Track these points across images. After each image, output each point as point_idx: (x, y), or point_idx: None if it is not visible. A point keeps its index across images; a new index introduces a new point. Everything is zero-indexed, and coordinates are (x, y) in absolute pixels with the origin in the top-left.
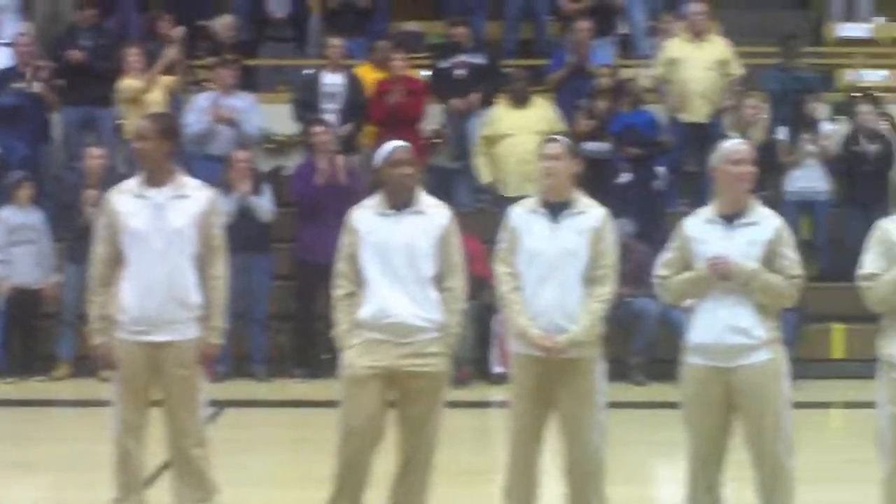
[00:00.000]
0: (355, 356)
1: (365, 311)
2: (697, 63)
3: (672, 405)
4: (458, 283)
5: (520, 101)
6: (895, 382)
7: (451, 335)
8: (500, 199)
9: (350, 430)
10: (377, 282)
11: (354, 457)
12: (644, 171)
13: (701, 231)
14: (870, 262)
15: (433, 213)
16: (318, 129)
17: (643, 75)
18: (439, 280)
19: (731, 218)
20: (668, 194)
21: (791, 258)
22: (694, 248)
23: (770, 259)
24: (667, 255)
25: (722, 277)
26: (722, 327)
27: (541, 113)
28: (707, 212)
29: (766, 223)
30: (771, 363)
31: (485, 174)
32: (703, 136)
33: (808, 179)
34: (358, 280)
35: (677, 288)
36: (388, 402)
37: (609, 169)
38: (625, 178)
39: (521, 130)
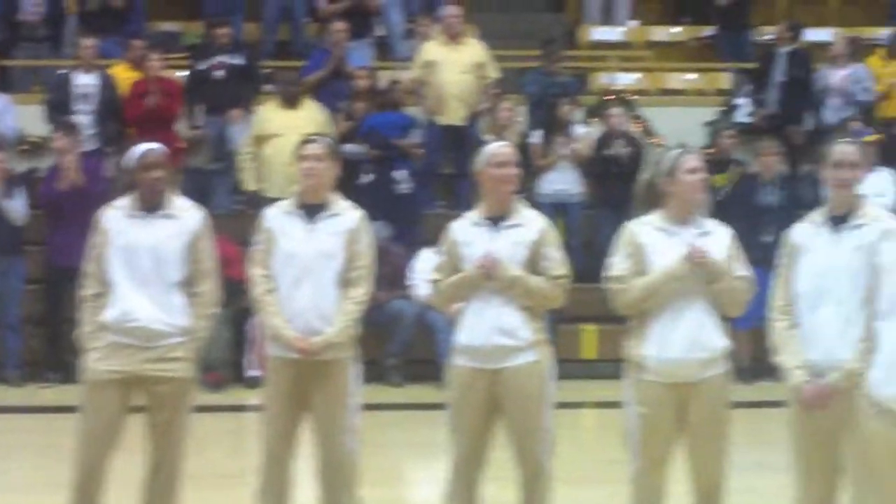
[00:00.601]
0: (97, 360)
1: (109, 314)
2: (453, 66)
3: (428, 406)
4: (208, 287)
5: (290, 101)
6: (642, 383)
7: (197, 340)
8: (259, 200)
9: (87, 435)
10: (122, 284)
11: (91, 462)
12: (386, 174)
13: (467, 234)
14: (617, 264)
15: (184, 217)
16: (57, 133)
17: (400, 77)
18: (189, 284)
19: (496, 220)
20: (423, 197)
21: (555, 258)
22: (461, 252)
23: (535, 260)
24: (438, 260)
25: (488, 276)
26: (489, 329)
27: (310, 114)
28: (473, 215)
29: (530, 224)
30: (536, 365)
31: (250, 175)
32: (460, 138)
33: (562, 182)
34: (105, 281)
35: (447, 291)
36: (131, 408)
37: (355, 170)
38: (366, 179)
39: (290, 131)
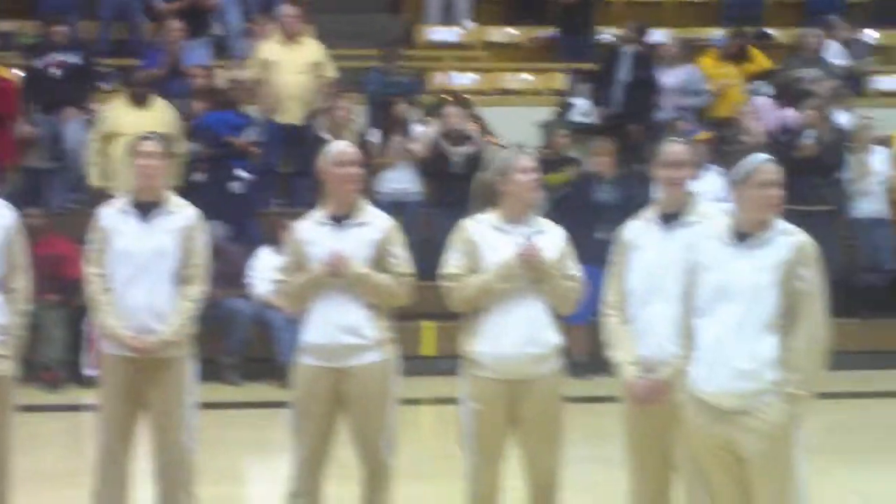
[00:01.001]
0: None
1: None
2: (291, 65)
3: (267, 405)
4: (22, 283)
5: (138, 100)
6: (476, 379)
7: (14, 337)
8: (103, 198)
9: None
10: None
11: None
12: (221, 172)
13: (312, 233)
14: (452, 261)
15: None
16: None
17: (238, 76)
18: (5, 281)
19: (341, 219)
20: (260, 195)
21: (401, 257)
22: (306, 251)
23: (381, 258)
24: (283, 259)
25: (335, 274)
26: (334, 327)
27: (158, 113)
28: (318, 214)
29: (376, 223)
30: (382, 364)
31: (95, 173)
32: (297, 137)
33: (400, 181)
34: None
35: (294, 291)
36: None
37: (189, 169)
38: (198, 177)
39: (138, 130)
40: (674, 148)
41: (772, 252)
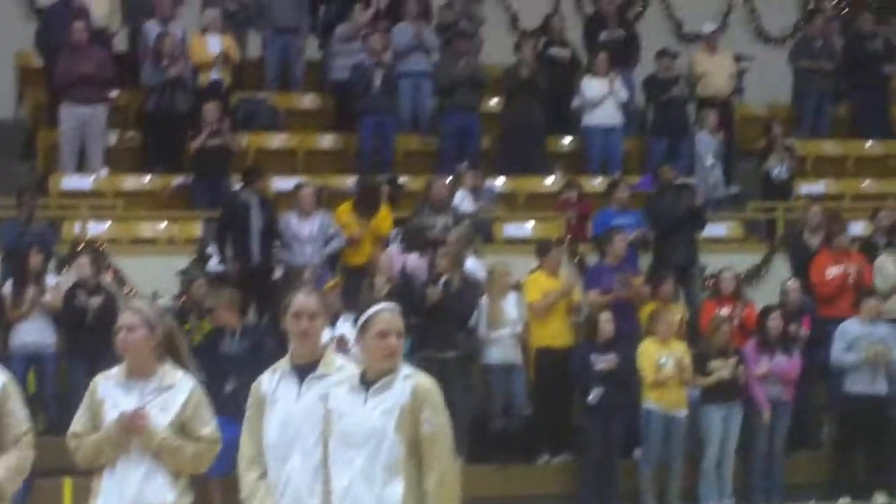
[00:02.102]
0: None
1: None
2: None
3: None
4: None
5: None
6: None
7: None
8: None
9: None
10: None
11: None
12: None
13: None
14: (77, 419)
15: None
16: None
17: None
18: None
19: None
20: None
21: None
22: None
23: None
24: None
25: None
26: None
27: None
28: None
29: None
30: None
31: None
32: None
33: (35, 332)
34: None
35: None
36: None
37: None
38: None
39: None
40: (303, 298)
41: (392, 397)
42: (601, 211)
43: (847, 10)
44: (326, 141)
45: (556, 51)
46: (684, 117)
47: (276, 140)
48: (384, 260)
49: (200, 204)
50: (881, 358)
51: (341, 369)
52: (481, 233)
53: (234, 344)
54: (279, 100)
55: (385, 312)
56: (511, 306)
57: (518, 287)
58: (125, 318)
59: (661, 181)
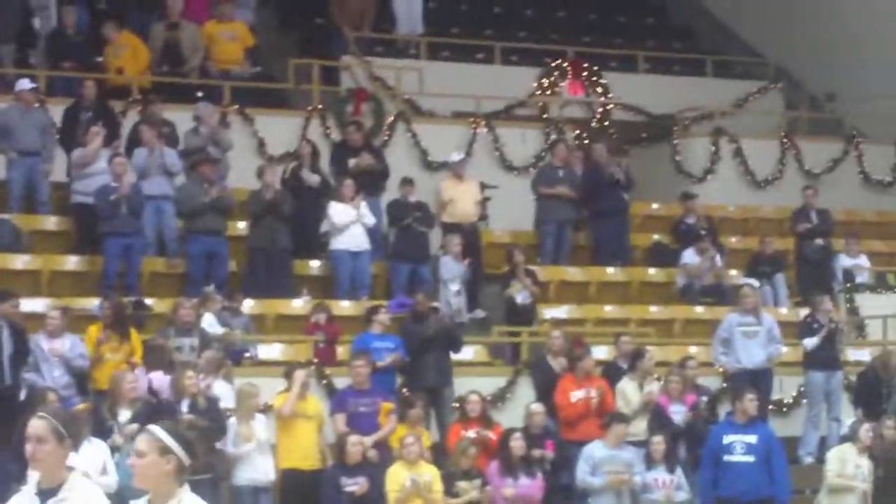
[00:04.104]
0: None
1: None
2: None
3: None
4: None
5: None
6: None
7: None
8: None
9: None
10: None
11: None
12: None
13: None
14: None
15: None
16: None
17: None
18: None
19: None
20: None
21: None
22: None
23: None
24: None
25: None
26: None
27: None
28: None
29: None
30: None
31: None
32: None
33: None
34: None
35: None
36: None
37: None
38: None
39: None
40: (32, 422)
41: None
42: (363, 334)
43: (587, 139)
44: (71, 263)
45: (305, 175)
46: (425, 242)
47: (20, 261)
48: (130, 381)
49: None
50: (625, 484)
51: (78, 491)
52: (231, 356)
53: None
54: (23, 221)
55: None
56: (260, 428)
57: (266, 409)
58: None
59: (415, 308)
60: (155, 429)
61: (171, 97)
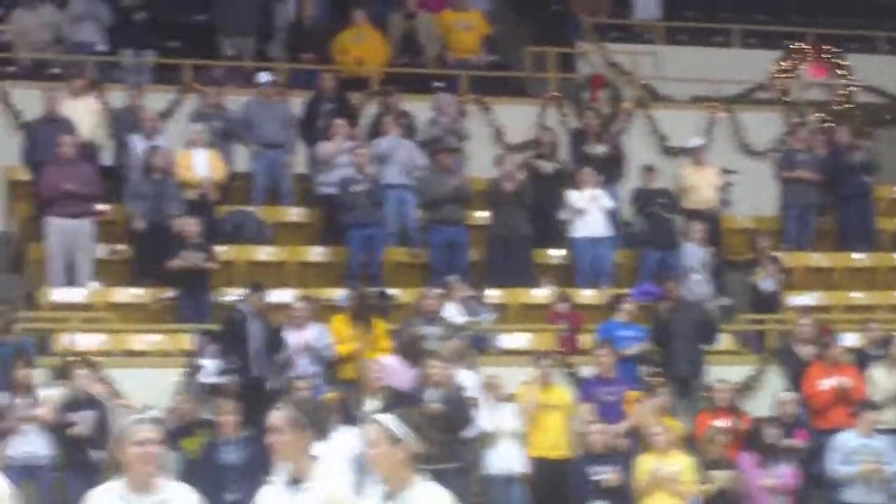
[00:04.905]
0: None
1: None
2: None
3: None
4: None
5: None
6: None
7: None
8: None
9: None
10: None
11: None
12: None
13: None
14: None
15: None
16: None
17: None
18: None
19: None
20: None
21: None
22: None
23: None
24: None
25: None
26: None
27: None
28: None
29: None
30: None
31: None
32: None
33: (29, 445)
34: None
35: None
36: None
37: None
38: None
39: None
40: (273, 414)
41: None
42: (607, 322)
43: (830, 122)
44: (315, 254)
45: (541, 164)
46: (672, 229)
47: (264, 253)
48: (379, 371)
49: (187, 317)
50: (876, 475)
51: (326, 479)
52: (475, 344)
53: (231, 453)
54: (267, 213)
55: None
56: (507, 417)
57: (512, 398)
58: (141, 432)
59: (668, 296)
60: (383, 418)
61: (408, 88)
